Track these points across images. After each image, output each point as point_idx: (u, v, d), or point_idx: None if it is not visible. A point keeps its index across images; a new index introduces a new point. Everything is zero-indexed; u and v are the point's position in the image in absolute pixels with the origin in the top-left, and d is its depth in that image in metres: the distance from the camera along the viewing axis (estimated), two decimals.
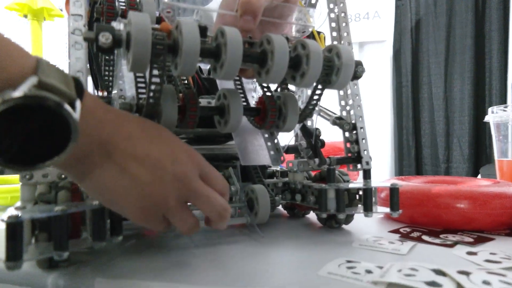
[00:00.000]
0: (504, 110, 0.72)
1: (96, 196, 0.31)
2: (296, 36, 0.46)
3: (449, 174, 2.13)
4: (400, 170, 2.27)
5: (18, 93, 0.22)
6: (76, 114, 0.24)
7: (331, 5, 0.52)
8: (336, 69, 0.39)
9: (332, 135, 0.71)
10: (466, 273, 0.32)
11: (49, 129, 0.24)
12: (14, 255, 0.27)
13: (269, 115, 0.43)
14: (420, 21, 2.27)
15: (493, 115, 0.73)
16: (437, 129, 2.19)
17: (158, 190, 0.31)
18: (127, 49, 0.32)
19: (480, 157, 2.09)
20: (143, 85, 0.39)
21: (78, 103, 0.25)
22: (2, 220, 0.27)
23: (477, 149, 2.10)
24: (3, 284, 0.33)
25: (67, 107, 0.24)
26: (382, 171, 2.27)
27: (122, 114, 0.33)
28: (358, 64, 0.40)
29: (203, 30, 0.33)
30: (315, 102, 0.42)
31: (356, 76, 0.40)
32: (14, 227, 0.27)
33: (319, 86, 0.40)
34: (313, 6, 0.54)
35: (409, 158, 2.27)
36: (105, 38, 0.30)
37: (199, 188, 0.33)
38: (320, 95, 0.41)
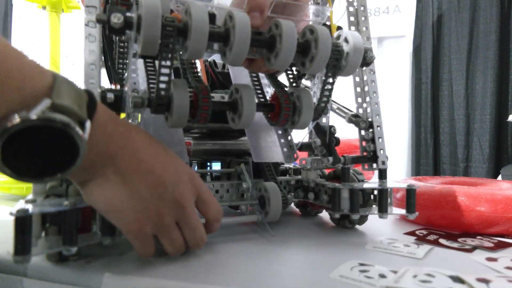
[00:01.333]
0: None
1: (94, 203, 0.32)
2: None
3: (468, 174, 2.08)
4: (418, 169, 2.23)
5: (32, 115, 0.24)
6: (85, 134, 0.26)
7: None
8: (345, 54, 0.40)
9: (348, 132, 0.69)
10: (486, 281, 0.30)
11: (59, 142, 0.26)
12: (22, 249, 0.27)
13: (283, 109, 0.42)
14: (442, 16, 2.20)
15: None
16: (457, 127, 2.13)
17: (154, 207, 0.32)
18: (138, 32, 0.32)
19: (501, 157, 2.03)
20: (154, 80, 0.38)
21: (88, 124, 0.27)
22: (11, 214, 0.27)
23: (498, 149, 2.04)
24: (13, 276, 0.33)
25: (76, 129, 0.25)
26: (399, 170, 2.23)
27: (132, 128, 0.34)
28: (368, 50, 0.41)
29: (211, 16, 0.34)
30: (328, 93, 0.42)
31: (366, 62, 0.42)
32: (22, 221, 0.27)
33: (330, 74, 0.40)
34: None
35: (427, 156, 2.22)
36: (117, 18, 0.31)
37: (191, 217, 0.35)
38: (332, 84, 0.41)
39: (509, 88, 2.01)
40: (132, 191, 0.31)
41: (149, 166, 0.32)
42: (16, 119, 0.23)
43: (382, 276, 0.32)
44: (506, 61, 2.03)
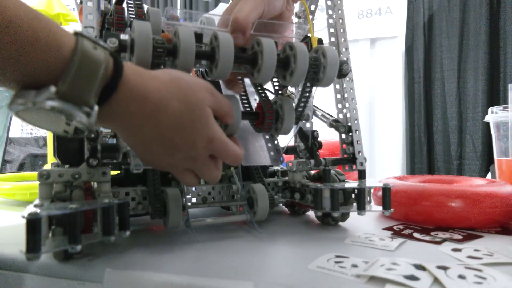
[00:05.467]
0: (505, 110, 0.73)
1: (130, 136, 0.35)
2: None
3: (462, 171, 2.12)
4: (412, 167, 2.27)
5: (37, 101, 0.25)
6: (91, 119, 0.27)
7: (330, 11, 0.55)
8: (322, 67, 0.44)
9: (336, 134, 0.73)
10: (445, 268, 0.34)
11: None
12: (33, 247, 0.30)
13: (266, 118, 0.46)
14: (433, 17, 2.25)
15: (493, 115, 0.74)
16: (450, 125, 2.18)
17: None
18: (131, 53, 0.36)
19: (493, 154, 2.07)
20: None
21: (95, 110, 0.28)
22: (23, 217, 0.31)
23: (490, 146, 2.08)
24: (23, 274, 0.37)
25: (78, 116, 0.27)
26: (394, 168, 2.27)
27: (162, 107, 0.32)
28: (343, 62, 0.45)
29: (198, 36, 0.37)
30: (305, 99, 0.46)
31: (342, 73, 0.46)
32: (33, 223, 0.31)
33: (308, 84, 0.44)
34: (312, 13, 0.56)
35: (421, 155, 2.26)
36: (112, 43, 0.35)
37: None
38: (309, 92, 0.45)
39: (499, 86, 2.05)
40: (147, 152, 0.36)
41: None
42: (20, 103, 0.25)
43: (354, 266, 0.36)
44: (496, 59, 2.07)
